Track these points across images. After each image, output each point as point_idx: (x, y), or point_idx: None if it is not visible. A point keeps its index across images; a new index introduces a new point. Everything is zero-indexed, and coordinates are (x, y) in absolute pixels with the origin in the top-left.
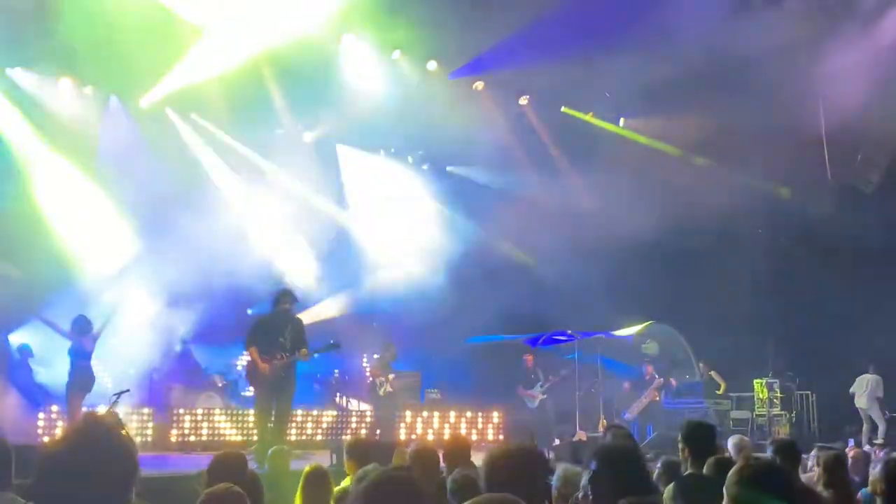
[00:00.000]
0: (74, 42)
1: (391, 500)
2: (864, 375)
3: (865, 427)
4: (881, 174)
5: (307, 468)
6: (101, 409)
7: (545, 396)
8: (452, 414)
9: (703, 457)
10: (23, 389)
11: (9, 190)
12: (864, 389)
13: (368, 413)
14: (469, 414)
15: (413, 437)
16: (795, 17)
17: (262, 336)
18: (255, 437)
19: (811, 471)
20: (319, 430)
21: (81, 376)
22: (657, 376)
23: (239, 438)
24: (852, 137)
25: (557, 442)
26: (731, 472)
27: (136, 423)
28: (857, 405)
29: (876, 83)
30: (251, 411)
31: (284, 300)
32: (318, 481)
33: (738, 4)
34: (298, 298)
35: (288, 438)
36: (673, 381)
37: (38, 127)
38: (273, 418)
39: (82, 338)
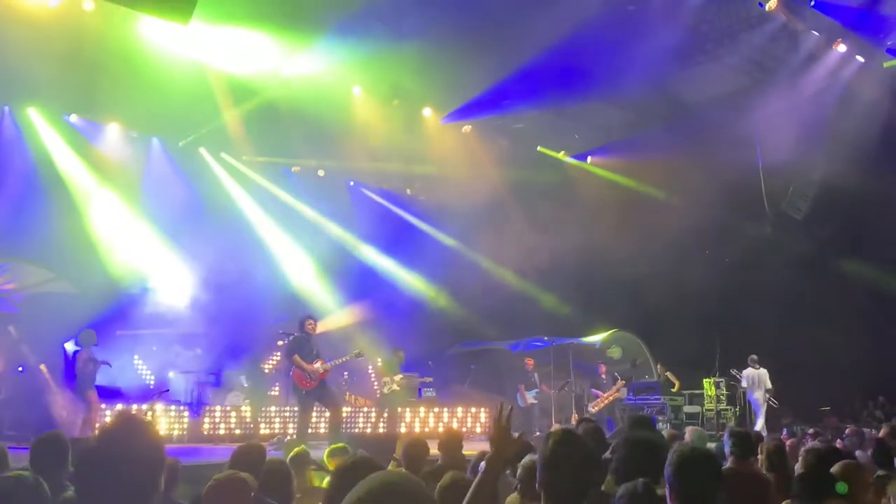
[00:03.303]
0: (122, 91)
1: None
2: (749, 370)
3: (761, 420)
4: (809, 203)
5: (292, 451)
6: (144, 406)
7: (536, 402)
8: (445, 409)
9: None
10: (75, 390)
11: (65, 219)
12: (756, 384)
13: (373, 410)
14: (458, 409)
15: (413, 430)
16: (734, 69)
17: (299, 349)
18: (294, 431)
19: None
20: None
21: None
22: (618, 377)
23: (264, 431)
24: (784, 172)
25: (538, 434)
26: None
27: (174, 418)
28: (754, 397)
29: (803, 127)
30: (272, 408)
31: (309, 324)
32: (298, 464)
33: (684, 59)
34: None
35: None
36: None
37: (90, 164)
38: (329, 415)
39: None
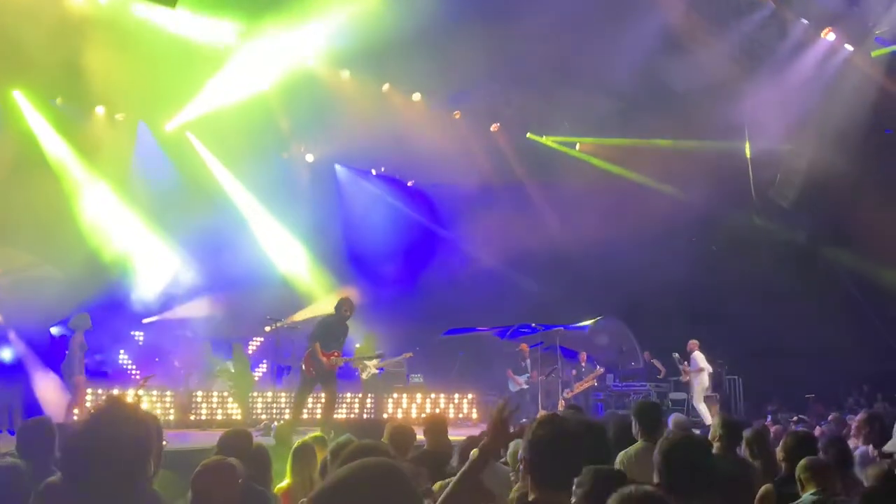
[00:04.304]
0: (107, 75)
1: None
2: (698, 353)
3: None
4: (796, 191)
5: (295, 444)
6: (130, 391)
7: (527, 387)
8: (433, 395)
9: (652, 431)
10: (63, 374)
11: (52, 203)
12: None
13: (358, 396)
14: (446, 396)
15: (399, 414)
16: (723, 57)
17: (324, 335)
18: (288, 415)
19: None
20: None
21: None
22: (597, 365)
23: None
24: (772, 160)
25: (525, 420)
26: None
27: (160, 404)
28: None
29: (791, 115)
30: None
31: (346, 308)
32: (304, 455)
33: (674, 46)
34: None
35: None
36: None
37: (76, 147)
38: (324, 403)
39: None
